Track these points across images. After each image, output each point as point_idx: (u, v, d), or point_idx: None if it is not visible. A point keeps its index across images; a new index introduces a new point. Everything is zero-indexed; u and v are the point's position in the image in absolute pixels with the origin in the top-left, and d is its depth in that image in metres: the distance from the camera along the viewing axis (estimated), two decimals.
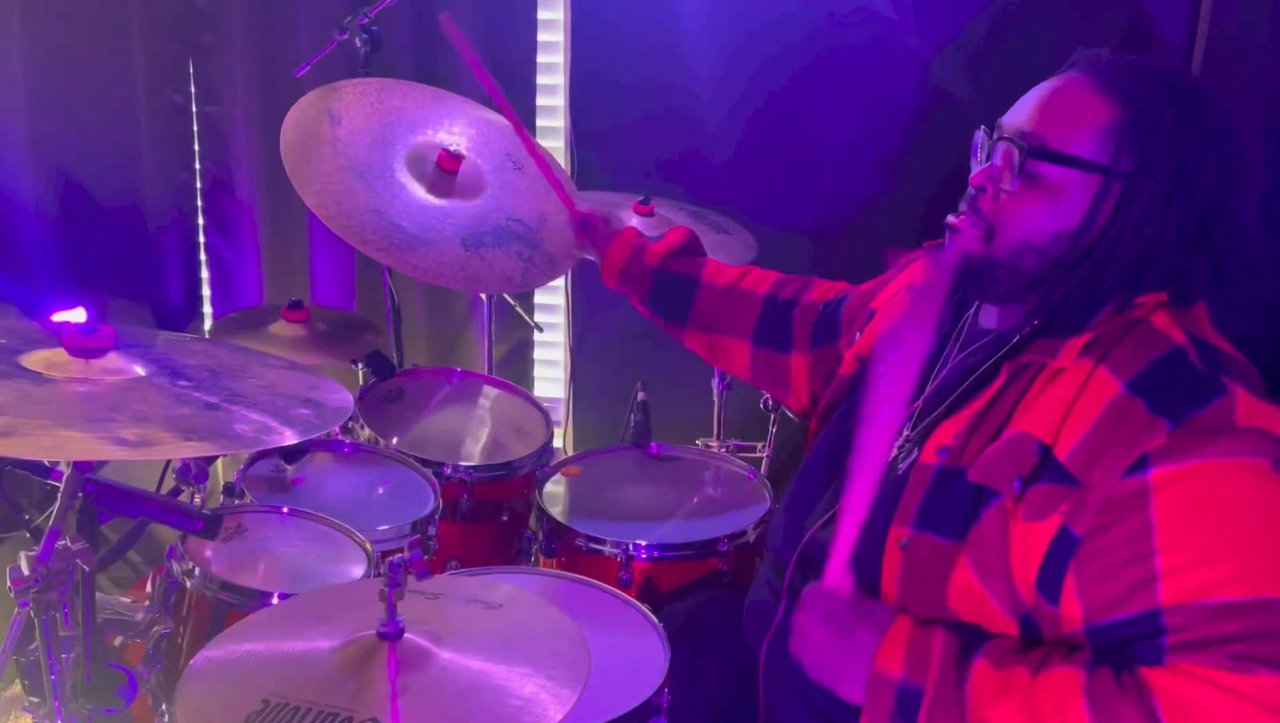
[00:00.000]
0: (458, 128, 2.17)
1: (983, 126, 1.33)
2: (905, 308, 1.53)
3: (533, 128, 2.87)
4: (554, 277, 2.20)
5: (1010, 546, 1.21)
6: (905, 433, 1.40)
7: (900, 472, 1.36)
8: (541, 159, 2.05)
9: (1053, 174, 1.26)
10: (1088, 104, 1.26)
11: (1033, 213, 1.28)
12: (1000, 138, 1.30)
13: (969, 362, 1.39)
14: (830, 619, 1.30)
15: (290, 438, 1.28)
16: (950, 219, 1.35)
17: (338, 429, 2.20)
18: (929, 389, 1.41)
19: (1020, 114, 1.30)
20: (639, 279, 1.91)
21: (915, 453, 1.35)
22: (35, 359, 1.28)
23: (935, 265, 1.37)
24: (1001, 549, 1.22)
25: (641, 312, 1.95)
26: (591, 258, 2.03)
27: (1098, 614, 1.17)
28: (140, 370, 1.32)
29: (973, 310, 1.44)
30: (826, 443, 1.54)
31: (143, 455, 1.15)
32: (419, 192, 2.02)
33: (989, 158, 1.31)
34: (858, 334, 1.63)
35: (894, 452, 1.39)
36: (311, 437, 1.38)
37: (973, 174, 1.33)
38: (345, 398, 1.43)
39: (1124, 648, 1.16)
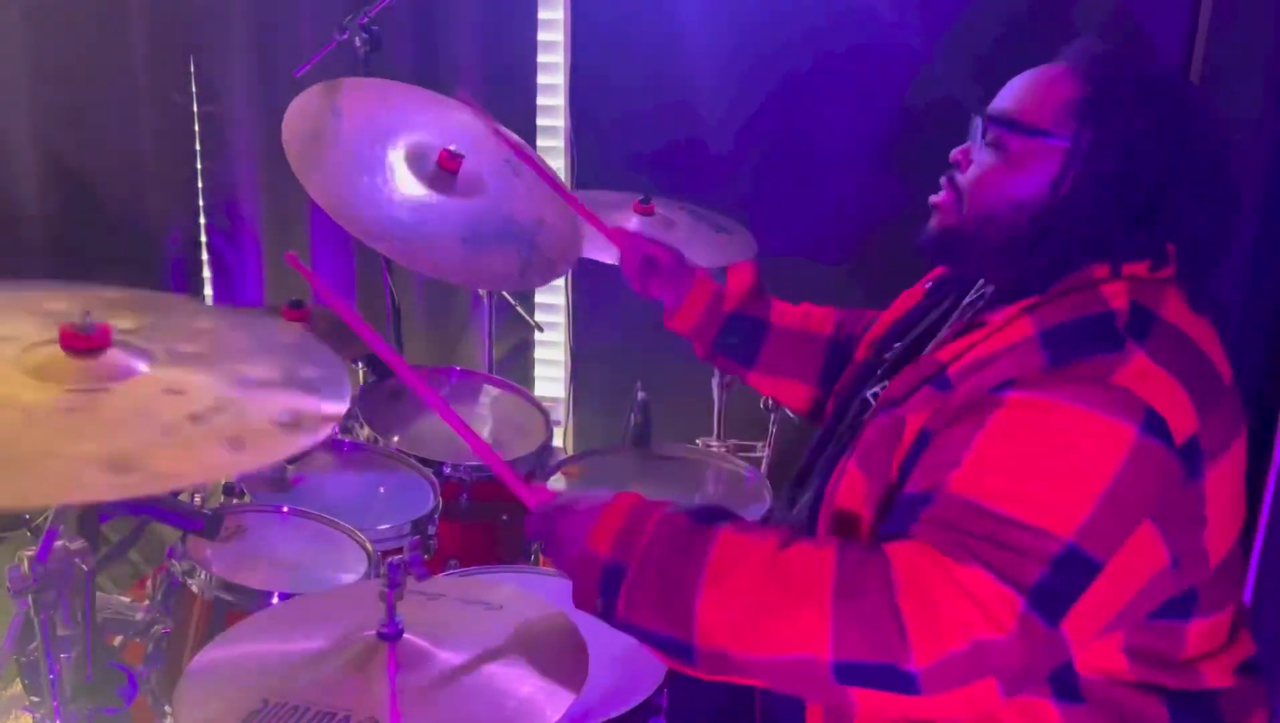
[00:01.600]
0: (458, 131, 2.17)
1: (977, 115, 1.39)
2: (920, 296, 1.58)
3: (533, 128, 2.87)
4: (551, 279, 2.20)
5: (893, 448, 1.27)
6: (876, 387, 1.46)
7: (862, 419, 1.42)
8: (583, 209, 1.98)
9: (1015, 144, 1.31)
10: (1057, 83, 1.31)
11: (995, 180, 1.32)
12: (981, 116, 1.36)
13: (937, 322, 1.46)
14: (548, 513, 1.26)
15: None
16: (931, 198, 1.41)
17: (338, 428, 2.20)
18: (901, 346, 1.50)
19: (1003, 95, 1.36)
20: (711, 328, 1.82)
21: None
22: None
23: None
24: (886, 451, 1.28)
25: (700, 355, 1.86)
26: (658, 298, 1.87)
27: (902, 488, 1.23)
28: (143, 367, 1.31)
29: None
30: (826, 422, 1.58)
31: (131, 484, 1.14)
32: (420, 188, 2.02)
33: (971, 135, 1.37)
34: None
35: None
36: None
37: (953, 151, 1.39)
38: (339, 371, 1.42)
39: (894, 521, 1.20)
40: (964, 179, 1.35)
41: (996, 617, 1.08)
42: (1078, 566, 1.11)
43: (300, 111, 1.99)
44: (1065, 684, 1.22)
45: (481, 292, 2.57)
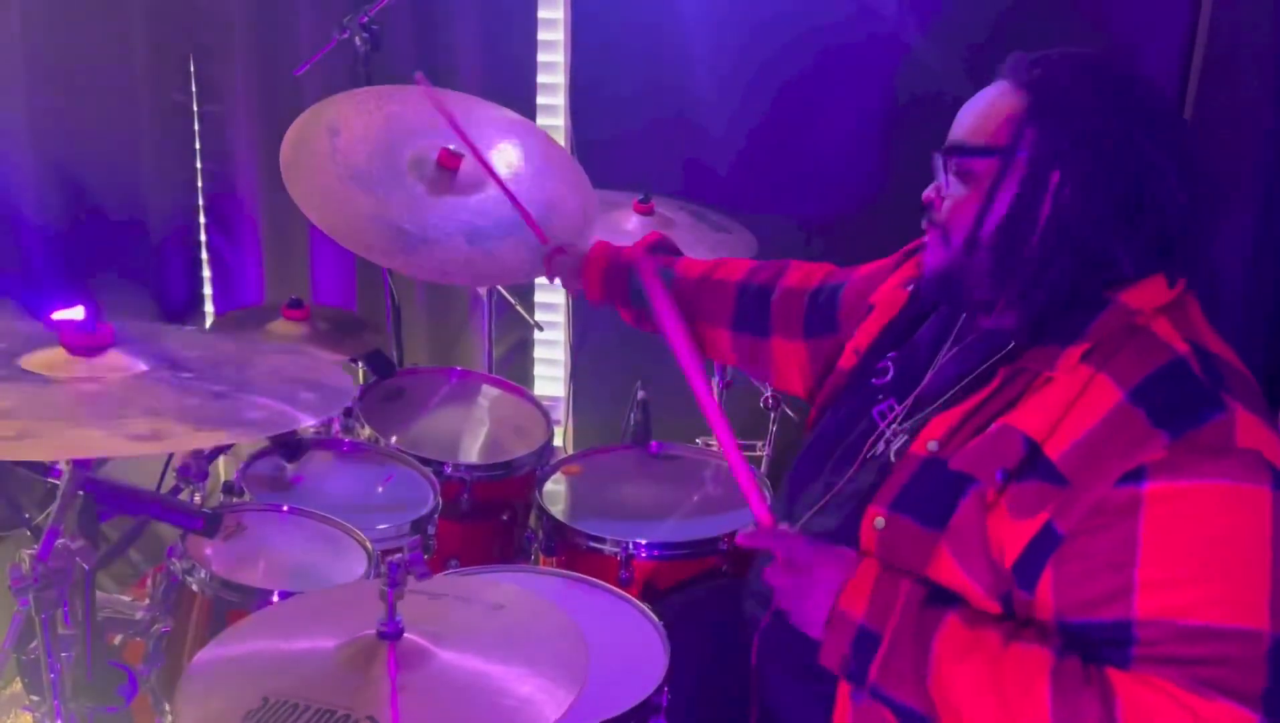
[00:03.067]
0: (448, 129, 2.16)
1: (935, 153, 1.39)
2: (904, 304, 1.56)
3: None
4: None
5: (989, 536, 1.23)
6: (896, 424, 1.43)
7: (889, 459, 1.39)
8: (513, 197, 2.04)
9: (977, 168, 1.31)
10: (1000, 99, 1.31)
11: (969, 207, 1.32)
12: (940, 152, 1.36)
13: (966, 358, 1.40)
14: (794, 561, 1.33)
15: (305, 421, 1.27)
16: (920, 243, 1.42)
17: (338, 427, 2.20)
18: (925, 381, 1.44)
19: (955, 128, 1.36)
20: (618, 283, 1.90)
21: (906, 441, 1.38)
22: (35, 361, 1.28)
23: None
24: (980, 538, 1.24)
25: (626, 318, 1.93)
26: (567, 288, 2.02)
27: (1071, 612, 1.19)
28: (142, 365, 1.32)
29: None
30: (824, 433, 1.56)
31: (161, 448, 1.15)
32: (420, 192, 2.02)
33: (935, 173, 1.37)
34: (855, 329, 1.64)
35: (884, 442, 1.42)
36: (322, 418, 1.37)
37: (924, 193, 1.39)
38: (345, 379, 1.42)
39: (1092, 649, 1.18)
40: (941, 215, 1.35)
41: None
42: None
43: (295, 140, 1.99)
44: None
45: (481, 291, 2.57)
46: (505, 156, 2.17)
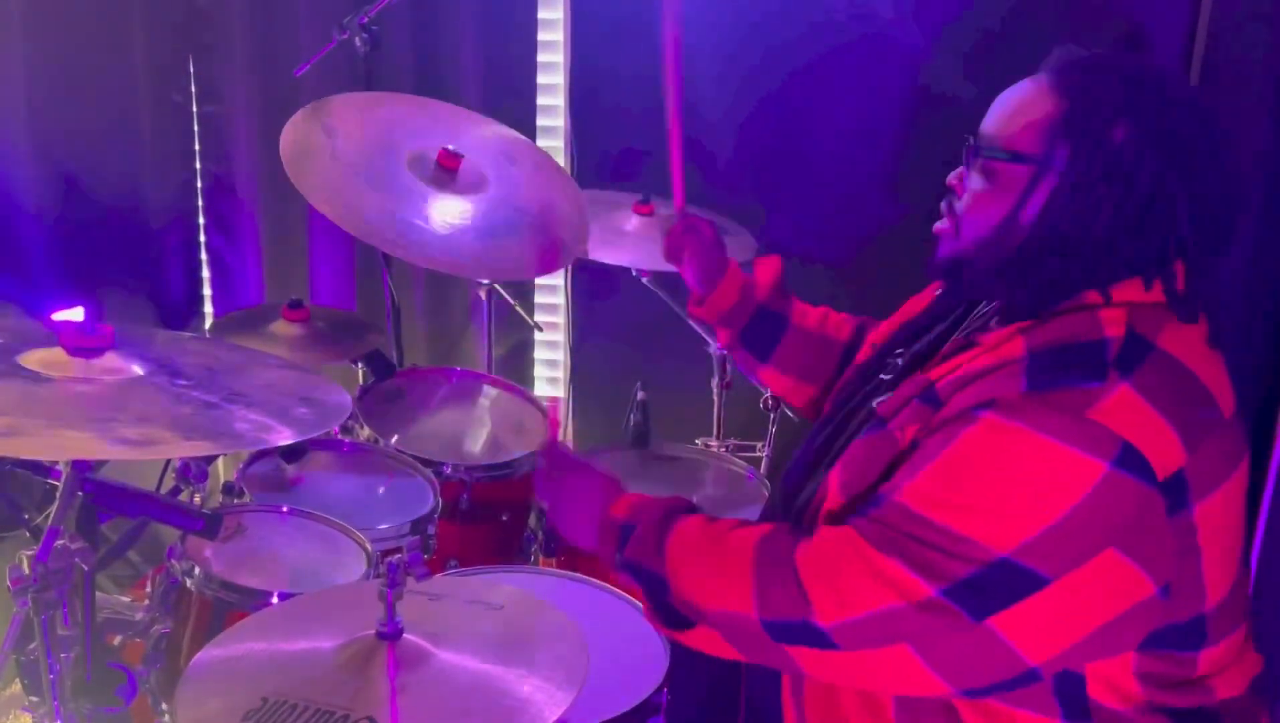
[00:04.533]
0: (449, 132, 2.17)
1: (970, 136, 1.38)
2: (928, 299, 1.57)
3: (533, 128, 2.87)
4: (566, 261, 2.20)
5: (881, 470, 1.29)
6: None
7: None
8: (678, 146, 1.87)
9: (1001, 169, 1.30)
10: (1037, 101, 1.29)
11: (986, 206, 1.32)
12: (971, 141, 1.35)
13: (940, 338, 1.45)
14: (570, 469, 1.48)
15: (289, 437, 1.28)
16: (935, 226, 1.41)
17: (338, 428, 2.20)
18: (903, 361, 1.48)
19: (988, 117, 1.35)
20: (740, 318, 1.81)
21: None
22: (34, 359, 1.28)
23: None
24: (869, 462, 1.30)
25: (721, 344, 1.89)
26: (680, 270, 1.87)
27: (854, 486, 1.29)
28: (139, 370, 1.32)
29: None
30: (825, 424, 1.56)
31: (145, 455, 1.15)
32: (424, 190, 2.02)
33: (965, 159, 1.37)
34: None
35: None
36: (310, 436, 1.38)
37: (949, 177, 1.39)
38: (343, 398, 1.43)
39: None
40: (959, 205, 1.35)
41: (904, 591, 1.16)
42: (1014, 575, 1.14)
43: (294, 137, 1.99)
44: (1076, 705, 1.24)
45: (481, 292, 2.57)
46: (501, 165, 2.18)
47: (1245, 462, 1.27)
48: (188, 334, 2.75)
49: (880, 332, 1.63)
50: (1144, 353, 1.21)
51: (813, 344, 1.80)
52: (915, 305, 1.61)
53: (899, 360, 1.51)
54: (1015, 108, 1.31)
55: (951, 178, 1.38)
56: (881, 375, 1.51)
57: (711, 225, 1.86)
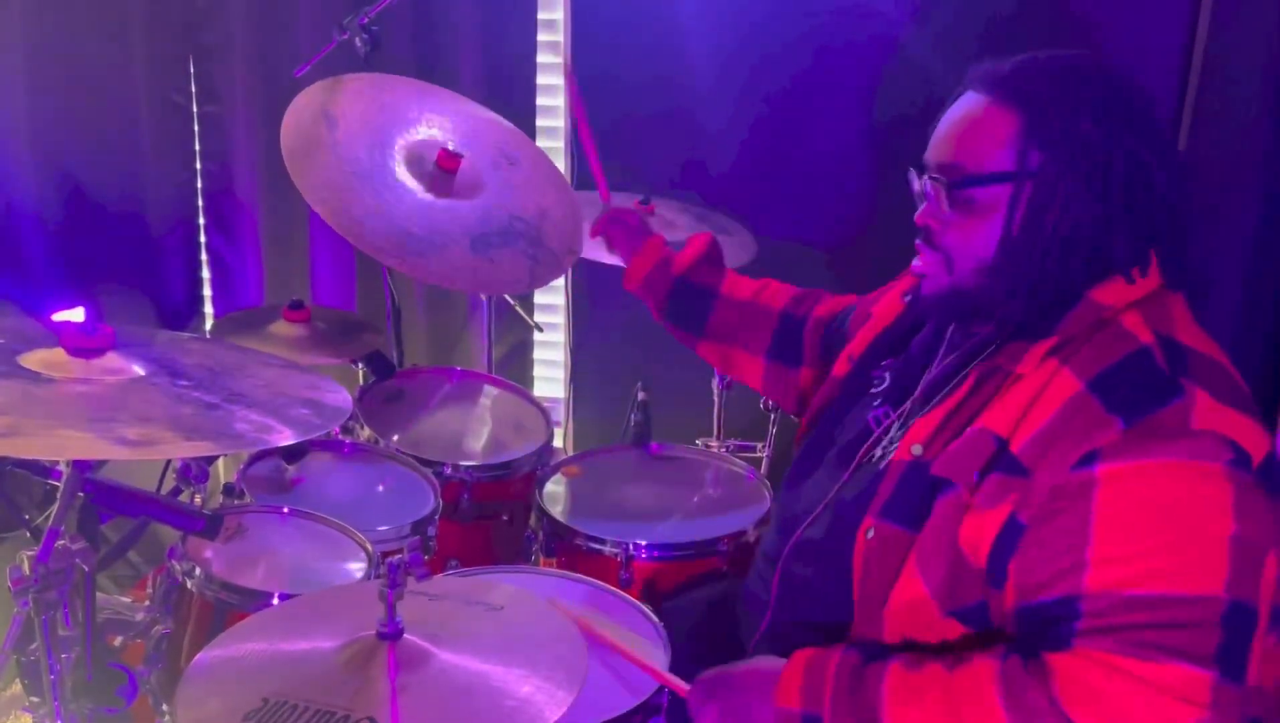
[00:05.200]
0: (448, 122, 2.16)
1: (911, 169, 1.38)
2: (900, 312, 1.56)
3: (533, 128, 2.87)
4: (558, 275, 2.20)
5: (961, 536, 1.25)
6: (893, 431, 1.43)
7: (880, 468, 1.39)
8: (591, 147, 2.08)
9: (980, 196, 1.30)
10: (989, 120, 1.29)
11: (977, 235, 1.31)
12: (928, 176, 1.34)
13: (954, 362, 1.42)
14: (721, 687, 1.37)
15: (290, 437, 1.28)
16: (914, 265, 1.39)
17: (338, 429, 2.20)
18: (919, 388, 1.45)
19: (937, 148, 1.34)
20: (660, 287, 1.90)
21: (895, 448, 1.39)
22: (34, 359, 1.28)
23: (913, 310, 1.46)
24: (951, 539, 1.25)
25: (655, 318, 1.94)
26: (612, 256, 2.03)
27: (1026, 595, 1.21)
28: (139, 370, 1.32)
29: None
30: (819, 440, 1.56)
31: (145, 455, 1.15)
32: (421, 193, 2.02)
33: (924, 196, 1.35)
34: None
35: (880, 449, 1.43)
36: (311, 436, 1.38)
37: (917, 216, 1.37)
38: (344, 397, 1.43)
39: (1039, 631, 1.20)
40: (945, 241, 1.34)
41: (1193, 698, 1.11)
42: (1242, 616, 1.13)
43: (295, 127, 1.98)
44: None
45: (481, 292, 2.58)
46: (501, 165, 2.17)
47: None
48: (188, 335, 2.75)
49: (855, 346, 1.62)
50: (1180, 352, 1.23)
51: (746, 313, 1.83)
52: (886, 309, 1.60)
53: (886, 374, 1.51)
54: (968, 132, 1.30)
55: (922, 216, 1.35)
56: (870, 389, 1.51)
57: (635, 214, 2.01)
